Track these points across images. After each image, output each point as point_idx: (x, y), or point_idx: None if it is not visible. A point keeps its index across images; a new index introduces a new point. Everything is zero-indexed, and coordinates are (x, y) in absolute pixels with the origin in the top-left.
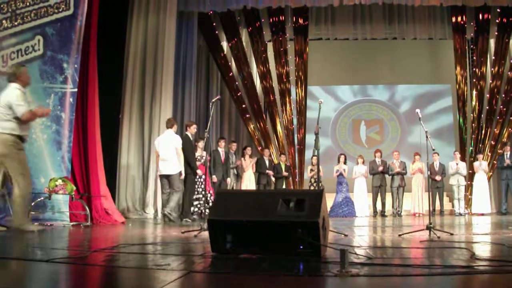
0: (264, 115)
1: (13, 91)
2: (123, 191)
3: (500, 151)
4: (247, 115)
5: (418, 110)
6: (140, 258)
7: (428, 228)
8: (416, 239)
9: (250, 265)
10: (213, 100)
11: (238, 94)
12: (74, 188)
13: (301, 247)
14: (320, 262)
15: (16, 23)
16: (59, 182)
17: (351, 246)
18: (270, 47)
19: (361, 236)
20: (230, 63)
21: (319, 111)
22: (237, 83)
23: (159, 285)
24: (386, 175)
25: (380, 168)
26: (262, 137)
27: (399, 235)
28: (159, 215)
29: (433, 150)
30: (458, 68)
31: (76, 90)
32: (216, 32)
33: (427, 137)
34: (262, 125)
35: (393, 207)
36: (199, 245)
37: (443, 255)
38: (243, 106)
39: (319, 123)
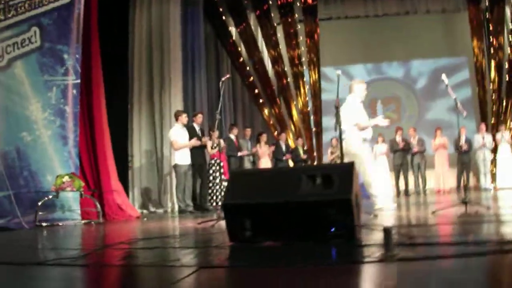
0: (278, 100)
1: (348, 105)
2: (137, 184)
3: None
4: (261, 101)
5: (444, 76)
6: (154, 253)
7: (464, 202)
8: (451, 215)
9: (274, 255)
10: (223, 79)
11: (250, 80)
12: (83, 184)
13: (332, 229)
14: (356, 246)
15: (9, 15)
16: (66, 178)
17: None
18: (279, 29)
19: (391, 216)
20: (239, 49)
21: (338, 83)
22: (248, 68)
23: (170, 282)
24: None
25: (401, 146)
26: (277, 122)
27: (433, 212)
28: (176, 207)
29: (463, 115)
30: (475, 40)
31: (79, 81)
32: (223, 17)
33: (456, 104)
34: (276, 110)
35: (415, 185)
36: (217, 235)
37: (492, 230)
38: (256, 91)
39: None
